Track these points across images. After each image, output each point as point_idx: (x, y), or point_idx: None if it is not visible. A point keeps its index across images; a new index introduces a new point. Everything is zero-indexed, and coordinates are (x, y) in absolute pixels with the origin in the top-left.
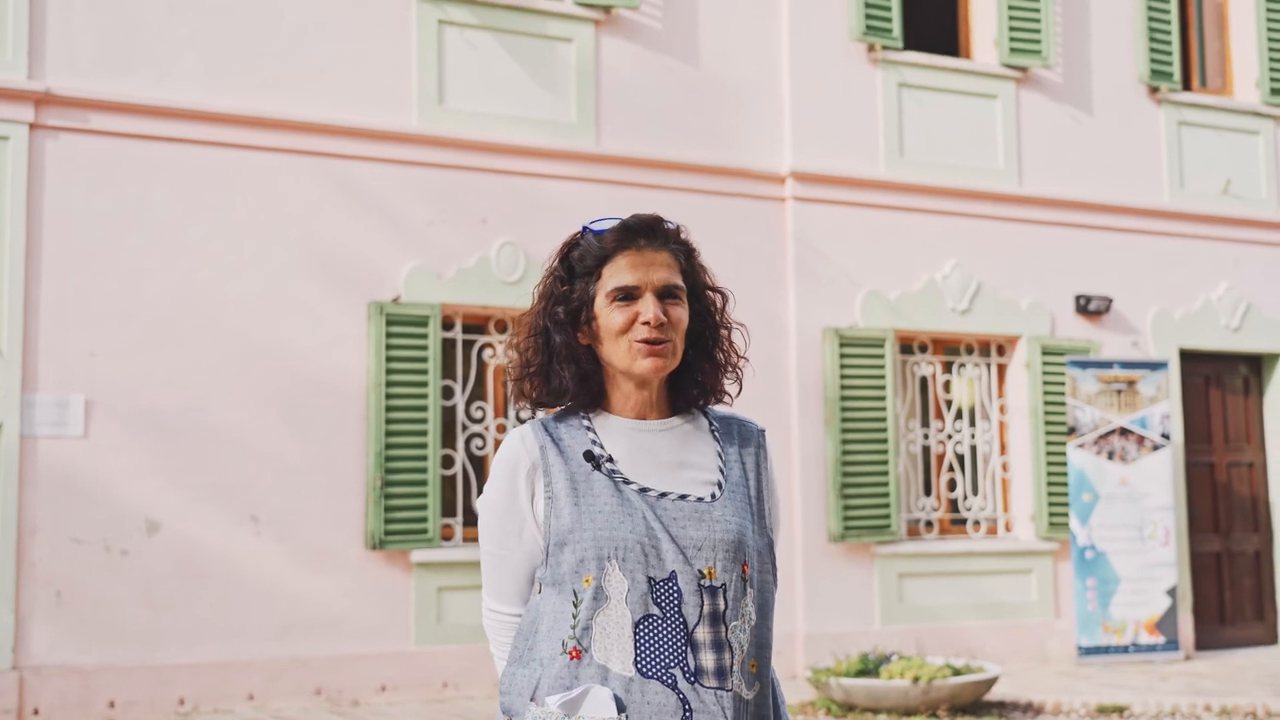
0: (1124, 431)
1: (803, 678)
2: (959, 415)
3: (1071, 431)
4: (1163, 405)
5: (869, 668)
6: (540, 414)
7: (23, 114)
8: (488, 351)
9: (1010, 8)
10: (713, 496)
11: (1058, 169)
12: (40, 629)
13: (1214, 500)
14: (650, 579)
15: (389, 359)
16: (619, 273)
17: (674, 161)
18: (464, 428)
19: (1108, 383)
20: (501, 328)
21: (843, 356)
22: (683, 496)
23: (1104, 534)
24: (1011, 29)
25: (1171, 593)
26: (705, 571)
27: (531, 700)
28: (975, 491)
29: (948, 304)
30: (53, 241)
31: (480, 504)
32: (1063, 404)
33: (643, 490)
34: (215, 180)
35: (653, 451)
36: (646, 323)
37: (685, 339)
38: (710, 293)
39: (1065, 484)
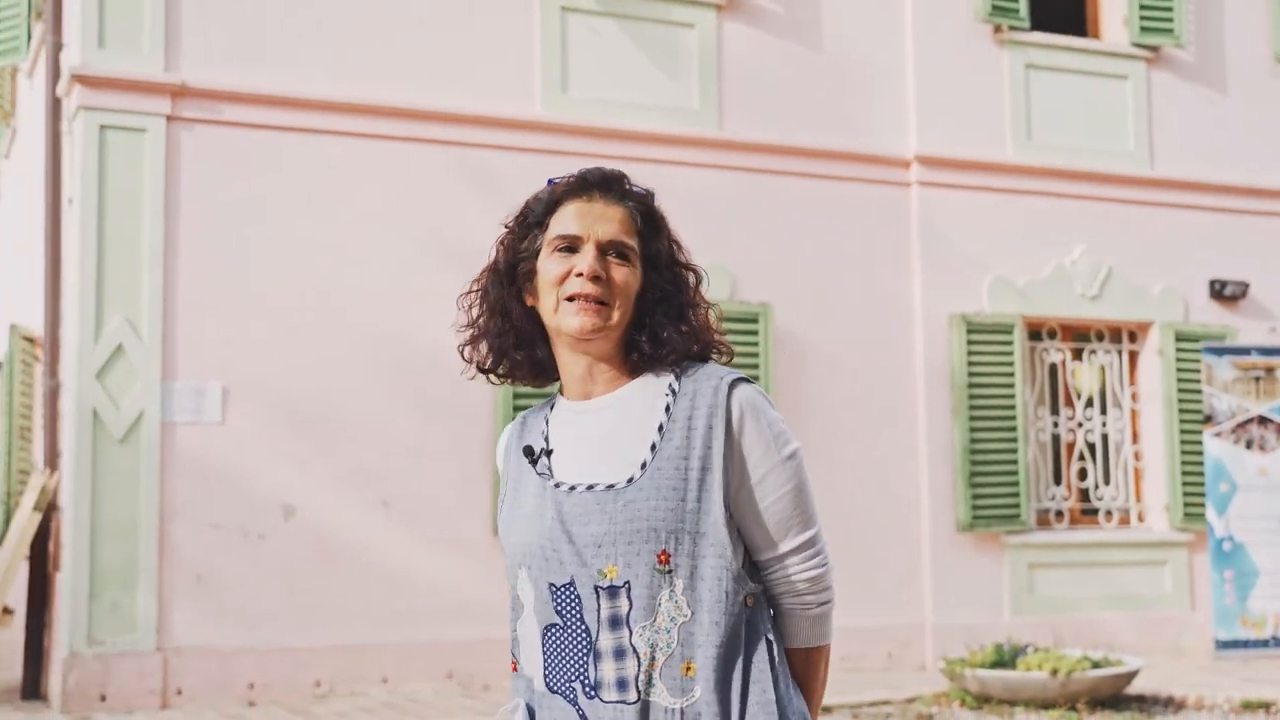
0: (1263, 420)
1: (934, 668)
2: (1089, 403)
3: (1208, 420)
4: None
5: (1004, 659)
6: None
7: (160, 106)
8: None
9: None
10: (630, 479)
11: (1190, 150)
12: (182, 612)
13: None
14: (550, 585)
15: None
16: (563, 220)
17: (797, 147)
18: None
19: (1245, 370)
20: None
21: (970, 343)
22: (590, 486)
23: (1242, 525)
24: (1142, 7)
25: None
26: (605, 570)
27: None
28: (1107, 481)
29: (1077, 289)
30: (189, 231)
31: None
32: (1198, 392)
33: (557, 485)
34: (344, 169)
35: (589, 437)
36: (580, 274)
37: (637, 309)
38: (682, 270)
39: (1200, 474)
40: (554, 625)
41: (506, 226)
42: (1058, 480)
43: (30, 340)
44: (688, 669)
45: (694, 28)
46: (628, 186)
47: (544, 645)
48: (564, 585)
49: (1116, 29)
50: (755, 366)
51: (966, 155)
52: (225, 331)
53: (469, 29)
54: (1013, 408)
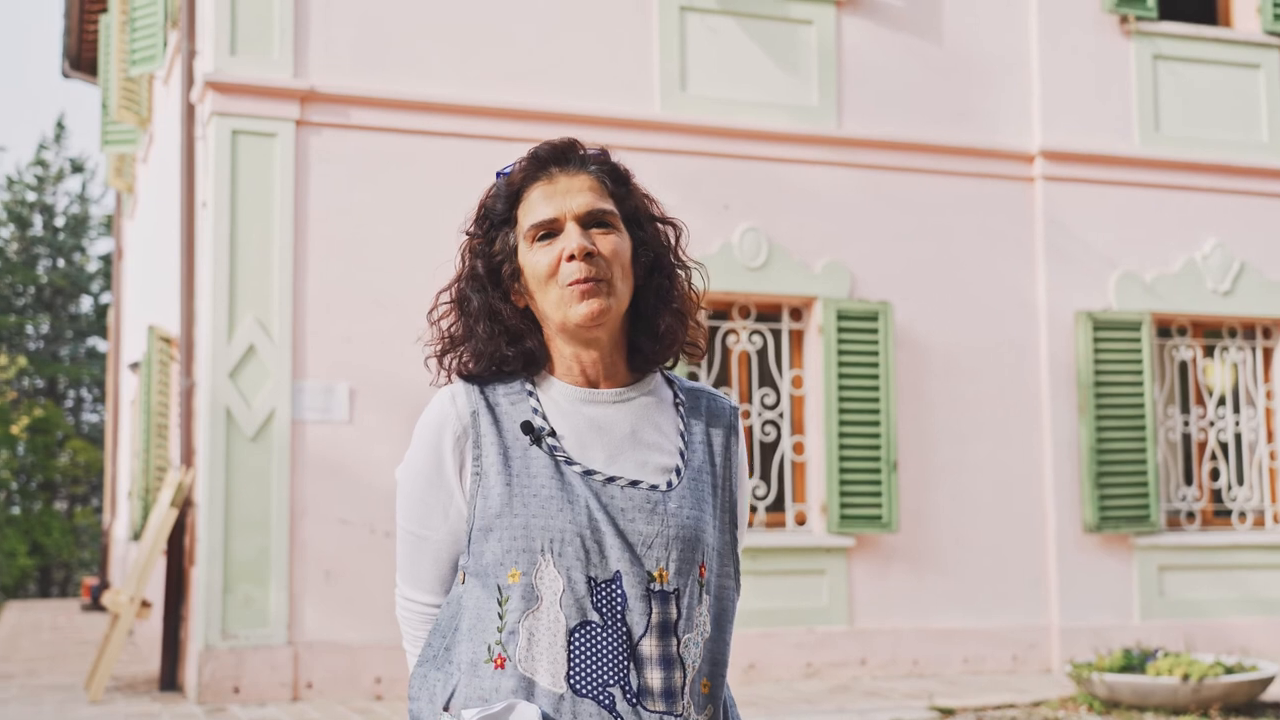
0: None
1: (1060, 672)
2: (1221, 401)
3: None
4: None
5: (1133, 663)
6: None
7: (289, 111)
8: (731, 338)
9: None
10: (669, 484)
11: None
12: (311, 607)
13: None
14: (590, 579)
15: None
16: (533, 208)
17: (918, 142)
18: None
19: None
20: (745, 313)
21: (1096, 340)
22: (634, 483)
23: None
24: None
25: None
26: (656, 574)
27: (445, 710)
28: (1240, 481)
29: (1208, 285)
30: (317, 233)
31: (400, 473)
32: None
33: (587, 473)
34: (467, 171)
35: (603, 428)
36: (572, 256)
37: (633, 280)
38: (660, 225)
39: None
40: (589, 624)
41: (469, 232)
42: (1189, 481)
43: (167, 341)
44: (705, 687)
45: (813, 24)
46: (583, 152)
47: (571, 644)
48: (607, 581)
49: (1249, 17)
50: (875, 366)
51: (1093, 149)
52: (352, 331)
53: (588, 30)
54: (1141, 406)
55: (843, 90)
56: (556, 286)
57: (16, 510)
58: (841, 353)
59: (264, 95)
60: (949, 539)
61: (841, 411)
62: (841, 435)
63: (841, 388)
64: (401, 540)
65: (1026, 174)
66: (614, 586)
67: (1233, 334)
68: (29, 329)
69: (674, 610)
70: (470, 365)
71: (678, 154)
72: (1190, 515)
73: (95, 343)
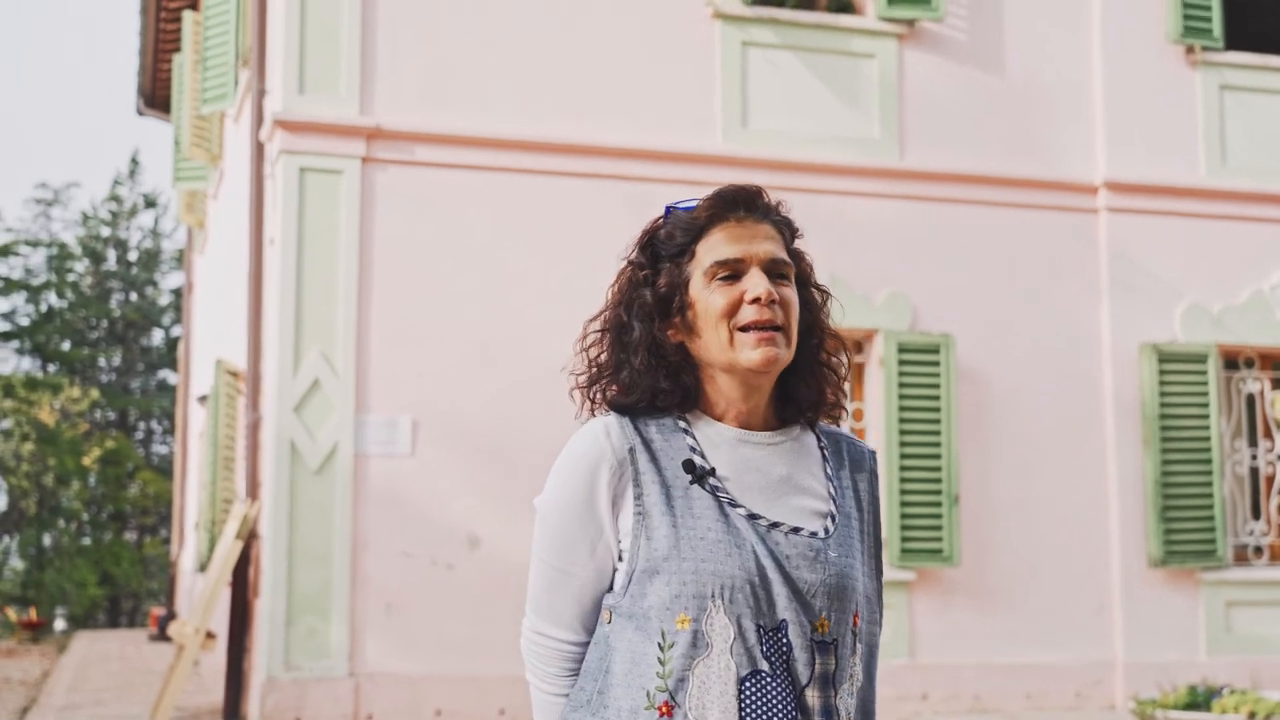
0: None
1: (1124, 708)
2: None
3: None
4: None
5: (1199, 700)
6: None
7: (355, 149)
8: None
9: None
10: (825, 531)
11: None
12: (373, 639)
13: None
14: (760, 627)
15: None
16: (717, 246)
17: (981, 175)
18: None
19: None
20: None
21: (1162, 373)
22: (796, 529)
23: None
24: None
25: None
26: (818, 623)
27: None
28: None
29: (1276, 316)
30: (381, 269)
31: (541, 505)
32: None
33: (752, 516)
34: (529, 206)
35: (760, 470)
36: (756, 299)
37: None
38: (815, 289)
39: None
40: (761, 673)
41: (633, 261)
42: (1256, 515)
43: (234, 375)
44: None
45: (874, 58)
46: (767, 201)
47: (743, 694)
48: (773, 629)
49: None
50: (936, 399)
51: (1157, 180)
52: (415, 365)
53: (650, 65)
54: (1207, 439)
55: (904, 123)
56: (728, 328)
57: (87, 540)
58: (902, 385)
59: (331, 133)
60: (1011, 573)
61: (903, 445)
62: (902, 469)
63: (902, 420)
64: (539, 575)
65: (1091, 205)
66: (780, 635)
67: None
68: (101, 362)
69: (832, 660)
70: (622, 397)
71: None
72: (1258, 550)
73: (166, 375)
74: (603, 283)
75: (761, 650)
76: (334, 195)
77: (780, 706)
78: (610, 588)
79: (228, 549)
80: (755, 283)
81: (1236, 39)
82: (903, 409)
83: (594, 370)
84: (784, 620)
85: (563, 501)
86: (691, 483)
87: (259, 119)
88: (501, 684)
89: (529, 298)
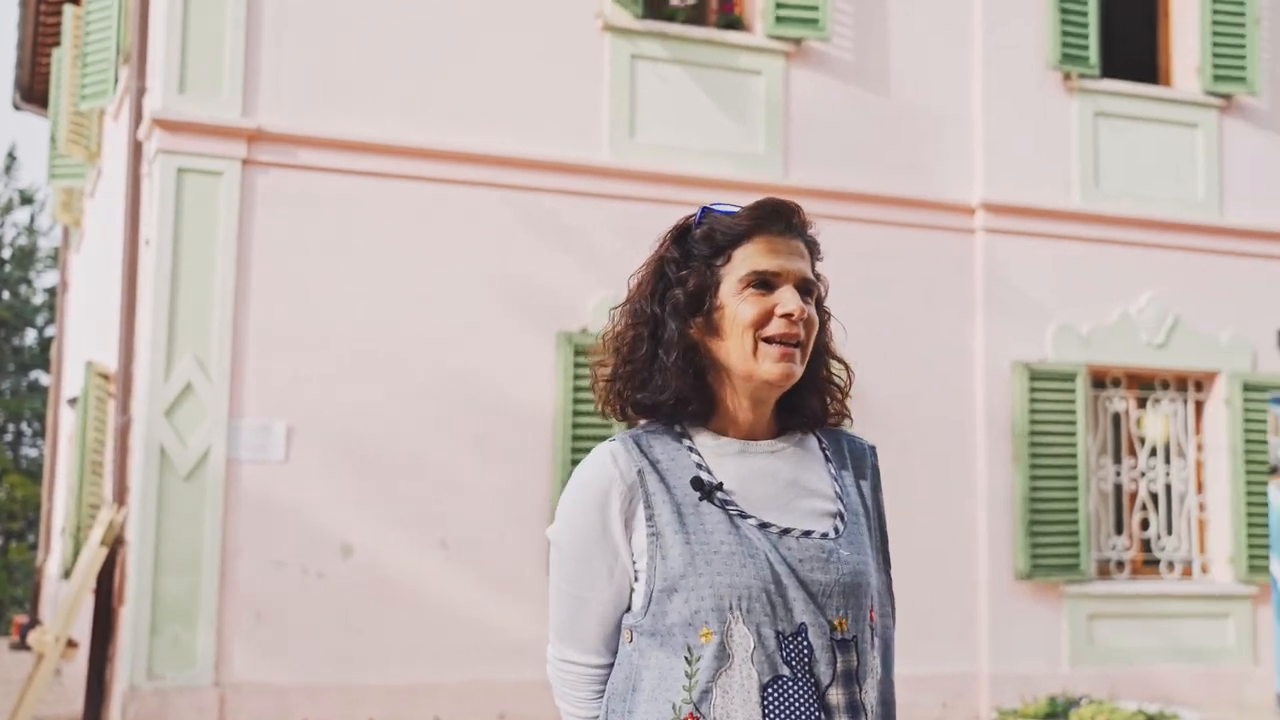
0: None
1: (987, 719)
2: (1153, 453)
3: (1274, 471)
4: None
5: (1058, 711)
6: (623, 429)
7: (236, 150)
8: None
9: (1214, 34)
10: (835, 531)
11: (1262, 199)
12: (240, 648)
13: None
14: (779, 634)
15: (576, 388)
16: (754, 256)
17: (862, 193)
18: None
19: None
20: None
21: (1032, 391)
22: (807, 533)
23: None
24: (1215, 56)
25: None
26: (836, 623)
27: None
28: (1170, 531)
29: (1143, 338)
30: (260, 272)
31: (555, 534)
32: (1264, 442)
33: (763, 525)
34: (413, 213)
35: (768, 477)
36: (788, 314)
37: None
38: (825, 313)
39: (1266, 525)
40: (782, 678)
41: (667, 257)
42: (1119, 530)
43: (105, 377)
44: None
45: (761, 75)
46: (801, 220)
47: (765, 700)
48: (793, 634)
49: (1188, 77)
50: None
51: (1033, 202)
52: (292, 371)
53: (539, 75)
54: (1074, 456)
55: (789, 140)
56: (753, 338)
57: None
58: None
59: (211, 134)
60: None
61: None
62: None
63: None
64: (560, 603)
65: (968, 226)
66: (800, 639)
67: (1165, 386)
68: None
69: (854, 657)
70: (654, 395)
71: (625, 199)
72: (1120, 564)
73: (38, 376)
74: (485, 291)
75: (781, 656)
76: (212, 197)
77: (803, 709)
78: (629, 608)
79: (92, 555)
80: (788, 298)
81: (1112, 67)
82: None
83: (626, 367)
84: (803, 624)
85: (576, 530)
86: (701, 499)
87: (138, 117)
88: (370, 693)
89: (410, 305)
